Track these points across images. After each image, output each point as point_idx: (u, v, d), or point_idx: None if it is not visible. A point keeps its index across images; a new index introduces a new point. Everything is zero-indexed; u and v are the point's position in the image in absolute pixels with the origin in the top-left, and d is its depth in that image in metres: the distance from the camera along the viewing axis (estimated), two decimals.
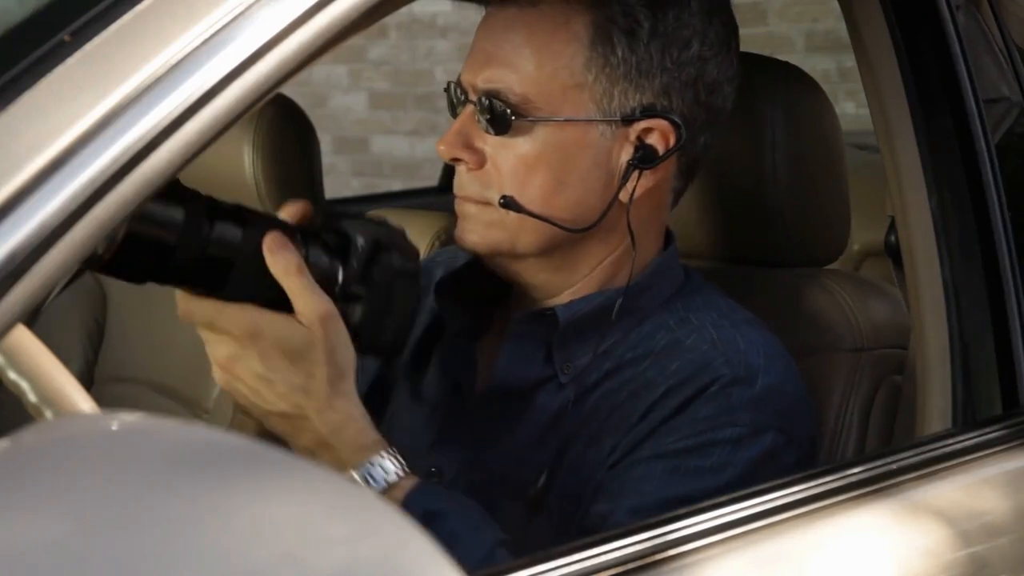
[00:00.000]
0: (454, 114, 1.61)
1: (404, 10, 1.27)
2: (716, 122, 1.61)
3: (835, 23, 4.75)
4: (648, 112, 1.56)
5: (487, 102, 1.55)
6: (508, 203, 1.55)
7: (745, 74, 1.63)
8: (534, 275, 1.62)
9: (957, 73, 1.64)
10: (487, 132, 1.56)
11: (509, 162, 1.56)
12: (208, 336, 1.42)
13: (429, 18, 5.87)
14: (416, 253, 1.53)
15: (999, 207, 1.63)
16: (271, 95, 1.11)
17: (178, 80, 1.05)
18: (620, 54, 1.55)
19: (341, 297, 1.47)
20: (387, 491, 1.43)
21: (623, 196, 1.57)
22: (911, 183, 1.66)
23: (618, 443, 1.53)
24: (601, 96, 1.55)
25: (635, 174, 1.56)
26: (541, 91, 1.55)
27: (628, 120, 1.56)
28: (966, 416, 1.61)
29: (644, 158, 1.56)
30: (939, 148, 1.66)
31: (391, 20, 5.75)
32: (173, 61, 1.06)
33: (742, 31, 1.64)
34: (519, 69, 1.55)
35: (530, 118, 1.55)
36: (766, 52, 1.89)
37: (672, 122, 1.56)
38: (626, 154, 1.57)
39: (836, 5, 1.75)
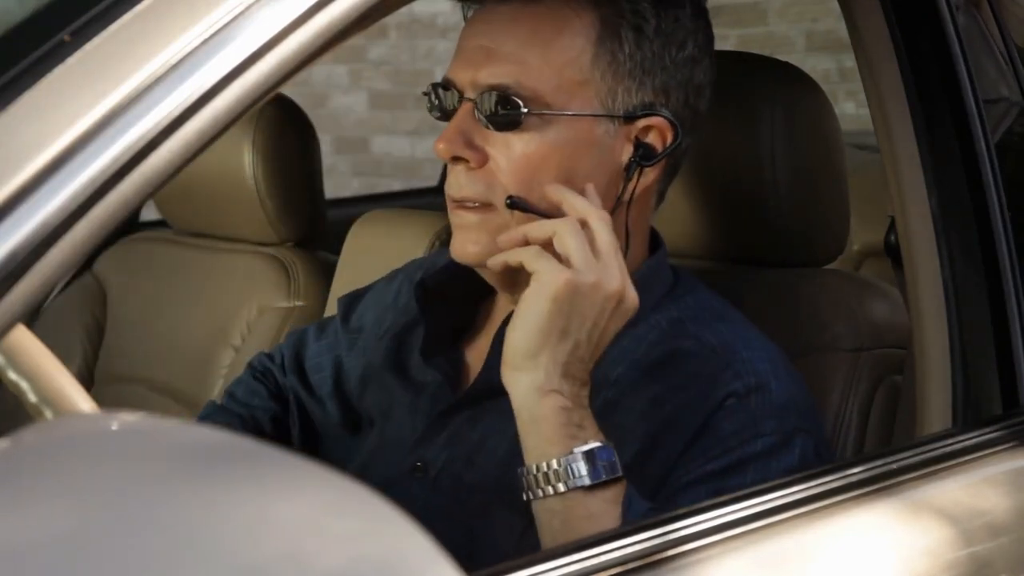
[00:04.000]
0: (443, 116, 1.59)
1: (404, 10, 1.27)
2: (697, 127, 1.61)
3: (835, 23, 4.74)
4: (648, 110, 1.56)
5: (492, 97, 1.53)
6: (516, 203, 1.51)
7: (745, 74, 1.63)
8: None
9: (957, 73, 1.64)
10: (489, 129, 1.54)
11: (514, 159, 1.53)
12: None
13: (429, 18, 5.87)
14: None
15: (999, 207, 1.63)
16: (271, 95, 1.11)
17: (178, 80, 1.05)
18: (627, 51, 1.55)
19: None
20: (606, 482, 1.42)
21: (625, 195, 1.56)
22: (911, 183, 1.66)
23: (631, 461, 1.49)
24: (606, 93, 1.54)
25: (636, 172, 1.55)
26: (549, 86, 1.53)
27: (630, 117, 1.55)
28: (966, 416, 1.61)
29: (644, 156, 1.55)
30: (939, 148, 1.65)
31: (391, 20, 5.75)
32: (173, 61, 1.06)
33: (742, 31, 1.65)
34: (526, 64, 1.53)
35: (539, 112, 1.52)
36: (766, 52, 1.89)
37: (669, 120, 1.56)
38: (627, 152, 1.56)
39: (836, 5, 1.75)
